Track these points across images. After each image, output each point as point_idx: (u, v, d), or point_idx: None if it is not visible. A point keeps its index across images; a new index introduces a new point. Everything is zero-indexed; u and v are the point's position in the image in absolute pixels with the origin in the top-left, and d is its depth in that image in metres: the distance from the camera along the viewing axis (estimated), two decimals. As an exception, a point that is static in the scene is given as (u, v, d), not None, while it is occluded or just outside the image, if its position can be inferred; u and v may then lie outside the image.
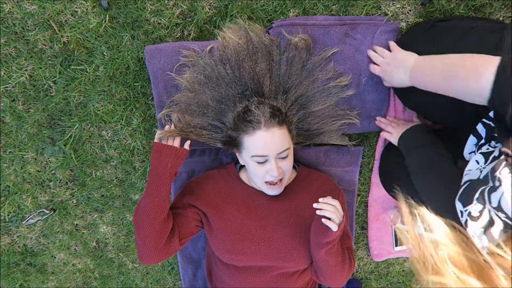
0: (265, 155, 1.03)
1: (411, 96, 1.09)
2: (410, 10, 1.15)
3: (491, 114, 0.88)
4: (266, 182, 1.08)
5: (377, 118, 1.24)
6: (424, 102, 1.05)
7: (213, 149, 1.28)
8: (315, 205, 0.98)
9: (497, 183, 0.69)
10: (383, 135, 1.22)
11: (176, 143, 1.10)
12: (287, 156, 1.06)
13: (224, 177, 1.20)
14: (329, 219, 0.97)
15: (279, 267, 1.09)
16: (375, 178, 1.36)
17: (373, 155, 1.35)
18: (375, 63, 1.12)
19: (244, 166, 1.17)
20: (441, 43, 0.98)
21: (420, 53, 1.00)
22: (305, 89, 1.16)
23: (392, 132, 1.18)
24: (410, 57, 0.99)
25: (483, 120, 0.90)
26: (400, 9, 1.15)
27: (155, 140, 1.10)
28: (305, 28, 1.13)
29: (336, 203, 0.99)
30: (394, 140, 1.16)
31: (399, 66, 1.01)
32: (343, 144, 1.28)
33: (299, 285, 1.14)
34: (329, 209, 0.97)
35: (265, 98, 1.13)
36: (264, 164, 1.05)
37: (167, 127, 1.13)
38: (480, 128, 0.91)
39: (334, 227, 0.96)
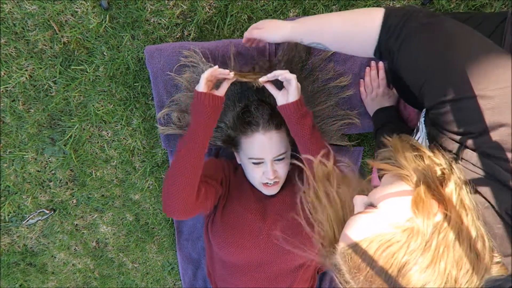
0: (261, 157, 1.03)
1: (410, 95, 1.09)
2: (410, 10, 1.15)
3: None
4: (262, 183, 1.09)
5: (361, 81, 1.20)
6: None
7: (213, 149, 1.28)
8: (266, 77, 0.95)
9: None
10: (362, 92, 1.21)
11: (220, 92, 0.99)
12: (283, 159, 1.06)
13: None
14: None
15: (279, 261, 1.09)
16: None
17: (373, 155, 1.34)
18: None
19: None
20: None
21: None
22: (305, 89, 1.15)
23: (365, 101, 1.21)
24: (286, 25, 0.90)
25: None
26: (400, 9, 1.15)
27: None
28: (305, 28, 1.13)
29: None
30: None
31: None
32: (343, 145, 1.28)
33: (300, 281, 1.14)
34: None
35: (265, 98, 1.13)
36: (260, 166, 1.06)
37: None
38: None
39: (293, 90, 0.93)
